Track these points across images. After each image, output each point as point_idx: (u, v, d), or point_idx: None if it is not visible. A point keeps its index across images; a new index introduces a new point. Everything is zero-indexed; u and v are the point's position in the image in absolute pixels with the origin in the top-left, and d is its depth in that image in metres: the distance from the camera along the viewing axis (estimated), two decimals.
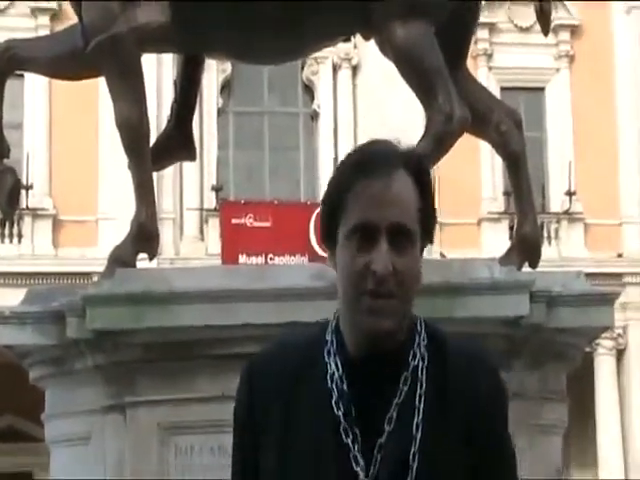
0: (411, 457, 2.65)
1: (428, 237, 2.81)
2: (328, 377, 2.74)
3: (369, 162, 2.77)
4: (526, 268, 6.29)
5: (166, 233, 29.26)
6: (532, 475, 5.77)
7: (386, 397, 2.70)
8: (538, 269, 6.37)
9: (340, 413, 2.70)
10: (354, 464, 2.66)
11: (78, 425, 5.94)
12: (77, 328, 5.65)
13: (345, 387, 2.72)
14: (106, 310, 5.58)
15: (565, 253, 32.31)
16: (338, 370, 2.74)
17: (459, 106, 6.08)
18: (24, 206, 29.96)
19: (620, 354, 33.47)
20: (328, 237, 2.80)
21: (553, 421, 6.04)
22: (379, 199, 2.72)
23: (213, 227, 31.89)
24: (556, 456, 6.04)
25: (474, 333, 5.55)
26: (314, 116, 33.79)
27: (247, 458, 2.81)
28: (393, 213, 2.71)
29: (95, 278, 6.34)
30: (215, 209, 32.06)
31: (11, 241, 31.52)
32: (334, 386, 2.73)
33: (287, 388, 2.77)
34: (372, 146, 2.85)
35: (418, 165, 2.82)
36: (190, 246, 31.85)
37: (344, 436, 2.68)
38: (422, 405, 2.69)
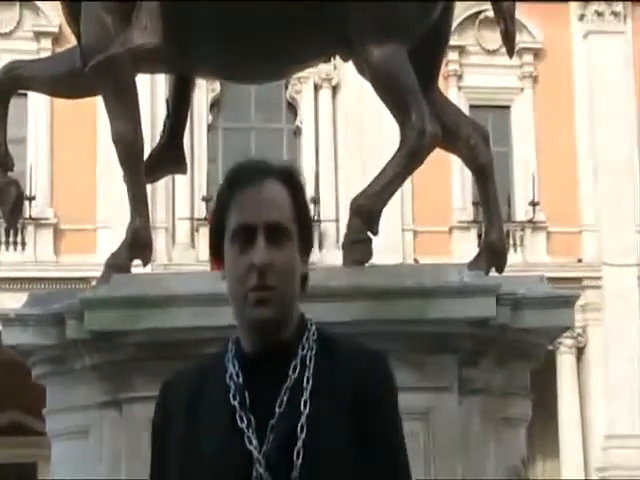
0: (299, 429, 2.72)
1: (307, 239, 2.89)
2: (227, 376, 2.81)
3: (243, 175, 2.87)
4: (493, 273, 6.29)
5: (159, 241, 29.24)
6: (499, 463, 5.78)
7: (278, 385, 2.77)
8: (504, 274, 6.38)
9: (236, 403, 2.77)
10: (248, 444, 2.71)
11: (77, 420, 5.92)
12: (76, 329, 5.64)
13: (240, 380, 2.79)
14: (103, 313, 5.57)
15: (529, 259, 32.39)
16: (235, 368, 2.81)
17: (431, 122, 6.08)
18: (27, 216, 29.90)
19: (580, 352, 33.54)
20: (217, 250, 2.89)
21: (518, 415, 6.04)
22: (253, 202, 2.81)
23: (203, 235, 31.84)
24: (521, 446, 6.05)
25: (445, 332, 5.56)
26: (297, 132, 33.82)
27: (158, 468, 2.89)
28: (267, 213, 2.80)
29: (93, 283, 6.32)
30: (205, 219, 32.00)
31: (15, 248, 31.46)
32: (232, 383, 2.80)
33: (191, 395, 2.86)
34: (245, 162, 2.93)
35: (290, 175, 2.89)
36: (182, 253, 31.83)
37: (239, 422, 2.74)
38: (309, 386, 2.76)
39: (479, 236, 29.80)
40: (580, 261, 33.77)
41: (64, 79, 6.54)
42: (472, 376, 5.68)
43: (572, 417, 33.07)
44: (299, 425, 2.72)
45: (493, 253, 6.37)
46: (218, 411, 2.78)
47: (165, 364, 5.43)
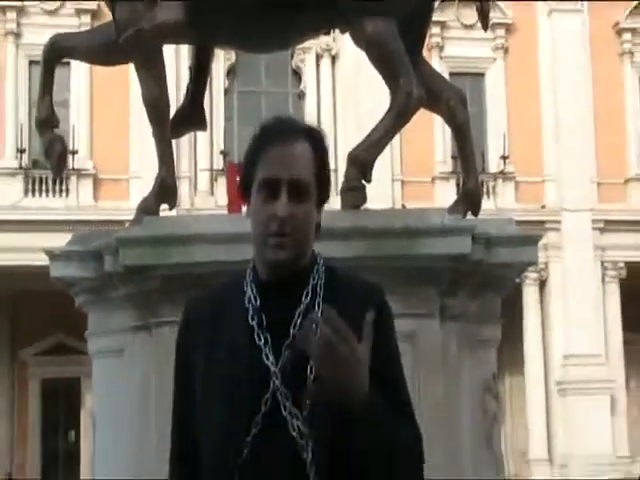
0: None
1: (325, 195, 2.87)
2: (246, 299, 2.79)
3: (273, 131, 2.83)
4: (469, 216, 6.28)
5: (183, 189, 29.27)
6: (473, 378, 5.79)
7: (292, 309, 2.75)
8: (479, 217, 6.36)
9: (254, 323, 2.74)
10: (265, 360, 2.69)
11: (113, 341, 5.93)
12: (112, 264, 5.63)
13: (258, 304, 2.77)
14: (135, 249, 5.56)
15: (500, 205, 32.42)
16: (252, 292, 2.79)
17: (417, 86, 6.05)
18: (70, 167, 29.91)
19: (542, 284, 33.67)
20: (245, 193, 2.86)
21: (490, 337, 6.05)
22: (281, 159, 2.77)
23: (221, 184, 31.86)
24: (492, 364, 6.06)
25: (428, 267, 5.55)
26: (301, 95, 33.73)
27: (184, 384, 2.85)
28: (292, 170, 2.76)
29: (127, 224, 6.30)
30: (222, 170, 32.01)
31: (60, 195, 31.50)
32: (250, 305, 2.78)
33: (214, 318, 2.83)
34: (277, 119, 2.89)
35: (315, 135, 2.85)
36: (202, 199, 31.84)
37: (257, 340, 2.72)
38: (320, 311, 2.69)
39: (458, 185, 29.84)
40: (543, 207, 33.80)
41: (101, 49, 6.50)
42: (451, 304, 5.68)
43: (535, 340, 33.25)
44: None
45: (470, 199, 6.35)
46: (238, 330, 2.75)
47: (188, 294, 5.44)
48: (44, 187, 31.32)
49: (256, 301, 2.78)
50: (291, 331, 2.72)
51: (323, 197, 2.87)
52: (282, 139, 2.78)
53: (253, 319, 2.75)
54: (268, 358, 2.70)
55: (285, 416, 2.64)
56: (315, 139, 2.83)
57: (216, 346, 2.78)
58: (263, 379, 2.67)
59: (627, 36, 34.97)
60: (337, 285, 2.81)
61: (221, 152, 32.24)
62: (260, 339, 2.72)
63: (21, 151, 31.38)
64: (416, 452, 2.76)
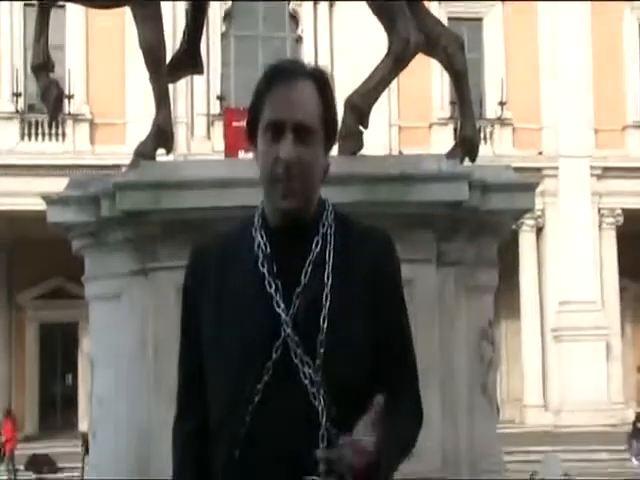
0: (324, 297, 2.66)
1: (331, 139, 2.83)
2: (255, 245, 2.75)
3: (280, 73, 2.76)
4: (467, 162, 6.27)
5: (180, 133, 29.18)
6: (470, 323, 5.82)
7: (302, 257, 2.71)
8: (476, 163, 6.36)
9: (264, 270, 2.70)
10: (276, 307, 2.66)
11: (111, 285, 5.94)
12: (109, 208, 5.63)
13: (268, 251, 2.72)
14: (132, 194, 5.55)
15: (497, 151, 32.37)
16: (263, 239, 2.75)
17: (415, 32, 6.01)
18: (66, 112, 29.78)
19: (539, 231, 33.75)
20: (252, 135, 2.80)
21: (486, 283, 6.06)
22: (286, 101, 2.71)
23: (218, 129, 31.81)
24: (488, 309, 6.08)
25: (425, 213, 5.56)
26: (298, 40, 33.56)
27: (191, 323, 2.83)
28: (297, 113, 2.71)
29: (123, 169, 6.29)
30: (219, 114, 31.93)
31: (57, 140, 31.46)
32: (259, 251, 2.73)
33: (222, 263, 2.79)
34: (283, 62, 2.83)
35: (321, 77, 2.80)
36: (199, 144, 31.77)
37: (268, 287, 2.68)
38: (331, 260, 2.71)
39: (455, 131, 29.72)
40: (540, 153, 33.78)
41: None
42: (448, 250, 5.69)
43: (531, 286, 33.38)
44: (324, 294, 2.66)
45: (467, 146, 6.34)
46: (247, 277, 2.71)
47: (185, 238, 5.45)
48: (40, 131, 31.25)
49: (266, 248, 2.73)
50: (302, 279, 2.68)
51: (330, 140, 2.82)
52: (287, 81, 2.73)
53: (263, 266, 2.70)
54: (279, 306, 2.66)
55: (296, 364, 2.62)
56: (321, 81, 2.78)
57: (225, 293, 2.74)
58: (274, 327, 2.64)
59: None
60: (347, 233, 2.77)
61: (218, 97, 32.14)
62: (271, 286, 2.68)
63: (17, 95, 31.26)
64: (417, 432, 2.80)
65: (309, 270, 2.70)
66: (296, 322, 2.65)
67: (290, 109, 2.71)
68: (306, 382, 2.62)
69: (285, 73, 2.76)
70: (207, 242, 2.92)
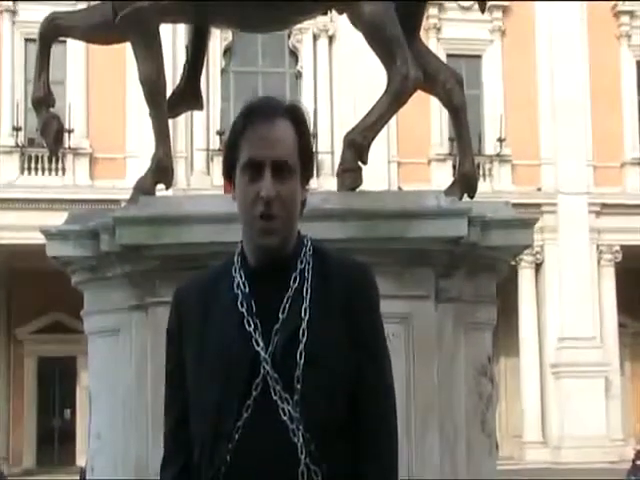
0: (300, 333, 2.69)
1: (308, 172, 2.86)
2: (235, 286, 2.78)
3: (256, 112, 2.81)
4: (466, 199, 6.28)
5: (179, 168, 29.27)
6: (468, 361, 5.80)
7: (280, 294, 2.75)
8: (475, 199, 6.36)
9: (243, 310, 2.73)
10: (255, 346, 2.69)
11: (110, 320, 5.93)
12: (109, 243, 5.63)
13: (247, 290, 2.76)
14: (132, 229, 5.55)
15: (496, 187, 32.45)
16: (242, 278, 2.78)
17: (414, 68, 6.04)
18: (67, 146, 29.87)
19: (538, 267, 33.74)
20: (229, 174, 2.85)
21: (485, 319, 6.05)
22: (263, 139, 2.77)
23: (217, 164, 31.83)
24: (487, 346, 6.06)
25: (424, 249, 5.55)
26: (298, 75, 33.69)
27: (174, 368, 2.87)
28: (275, 150, 2.76)
29: (123, 204, 6.29)
30: (219, 149, 31.99)
31: (57, 174, 31.52)
32: (239, 291, 2.77)
33: (203, 305, 2.82)
34: (259, 100, 2.87)
35: (296, 113, 2.84)
36: (199, 179, 31.83)
37: (247, 326, 2.71)
38: (308, 296, 2.74)
39: (454, 167, 29.78)
40: (539, 190, 33.84)
41: (98, 28, 6.47)
42: (447, 286, 5.69)
43: (530, 322, 33.33)
44: (301, 329, 2.70)
45: (466, 182, 6.35)
46: (227, 317, 2.75)
47: (184, 274, 5.44)
48: (40, 165, 31.31)
49: (245, 287, 2.77)
50: (280, 316, 2.72)
51: (307, 175, 2.86)
52: (263, 119, 2.77)
53: (243, 305, 2.74)
54: (258, 344, 2.69)
55: (276, 400, 2.65)
56: (296, 117, 2.82)
57: (206, 334, 2.78)
58: (253, 364, 2.68)
59: (625, 19, 34.93)
60: (325, 268, 2.80)
61: (217, 132, 32.22)
62: (250, 325, 2.71)
63: (17, 129, 31.34)
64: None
65: (287, 307, 2.73)
66: (275, 359, 2.68)
67: (268, 147, 2.76)
68: (285, 419, 2.64)
69: (261, 111, 2.80)
70: (188, 285, 2.95)
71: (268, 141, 2.76)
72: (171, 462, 2.88)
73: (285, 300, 2.74)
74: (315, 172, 29.40)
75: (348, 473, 2.70)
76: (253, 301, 2.75)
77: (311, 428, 2.64)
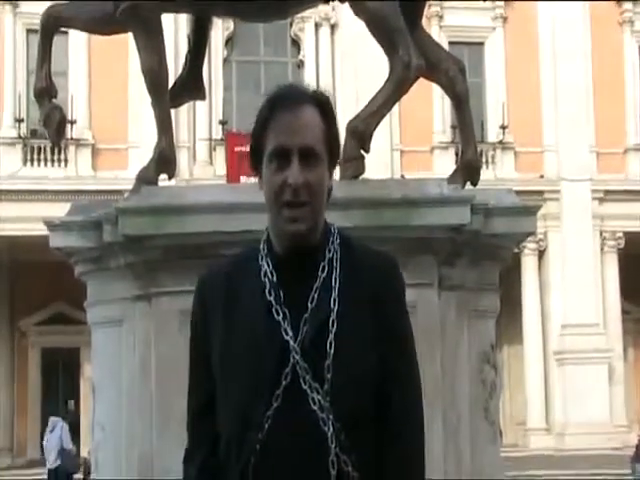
0: (330, 323, 2.69)
1: (334, 160, 2.85)
2: (262, 274, 2.77)
3: (282, 99, 2.78)
4: (468, 186, 6.27)
5: (182, 158, 29.23)
6: (472, 348, 5.80)
7: (308, 283, 2.74)
8: (478, 187, 6.36)
9: (271, 298, 2.72)
10: (285, 335, 2.68)
11: (113, 311, 5.94)
12: (112, 234, 5.63)
13: (274, 279, 2.75)
14: (134, 219, 5.56)
15: (499, 175, 32.42)
16: (269, 267, 2.77)
17: (416, 56, 6.03)
18: (69, 137, 29.88)
19: (541, 254, 33.72)
20: (256, 163, 2.83)
21: (488, 307, 6.06)
22: (290, 127, 2.74)
23: (220, 154, 31.86)
24: (490, 334, 6.07)
25: (427, 237, 5.55)
26: (300, 65, 33.65)
27: (199, 354, 2.86)
28: (302, 138, 2.74)
29: (126, 194, 6.30)
30: (221, 139, 32.00)
31: (59, 165, 31.52)
32: (266, 279, 2.75)
33: (229, 292, 2.80)
34: (284, 87, 2.85)
35: (322, 100, 2.82)
36: (201, 169, 31.82)
37: (275, 315, 2.70)
38: (337, 285, 2.73)
39: (457, 155, 29.78)
40: (542, 177, 33.80)
41: (100, 19, 6.46)
42: (450, 274, 5.69)
43: (534, 309, 33.33)
44: (330, 320, 2.68)
45: (469, 169, 6.34)
46: (255, 306, 2.73)
47: (187, 263, 5.46)
48: (43, 157, 31.31)
49: (272, 276, 2.75)
50: (309, 305, 2.71)
51: (334, 162, 2.85)
52: (289, 107, 2.75)
53: (270, 294, 2.73)
54: (287, 333, 2.68)
55: (305, 390, 2.65)
56: (322, 103, 2.81)
57: (233, 322, 2.76)
58: (282, 354, 2.66)
59: (628, 5, 34.83)
60: (352, 257, 2.79)
61: (220, 122, 32.20)
62: (278, 314, 2.70)
63: (19, 120, 31.33)
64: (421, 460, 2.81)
65: (315, 296, 2.72)
66: (304, 348, 2.67)
67: (295, 135, 2.74)
68: (315, 408, 2.64)
69: (287, 99, 2.78)
70: (213, 271, 2.93)
71: (295, 128, 2.74)
72: (197, 451, 2.86)
73: (314, 290, 2.73)
74: None
75: (376, 461, 2.71)
76: (280, 289, 2.74)
77: (341, 417, 2.64)
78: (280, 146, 2.73)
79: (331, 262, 2.77)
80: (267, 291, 2.73)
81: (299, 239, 2.75)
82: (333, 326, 2.68)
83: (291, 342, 2.67)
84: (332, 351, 2.66)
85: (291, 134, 2.74)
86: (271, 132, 2.76)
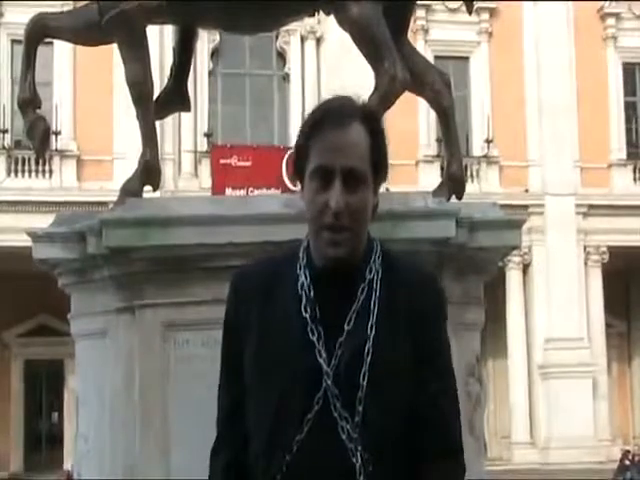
0: (365, 352, 2.58)
1: (381, 178, 2.73)
2: (299, 285, 2.66)
3: (328, 115, 2.66)
4: (453, 200, 6.28)
5: (167, 170, 29.20)
6: (457, 361, 5.76)
7: (346, 303, 2.63)
8: (463, 201, 6.36)
9: (307, 315, 2.62)
10: (318, 357, 2.58)
11: (97, 323, 5.91)
12: (95, 245, 5.61)
13: (312, 294, 2.64)
14: (118, 231, 5.54)
15: (484, 188, 32.48)
16: (307, 280, 2.66)
17: (401, 70, 6.03)
18: (54, 148, 29.83)
19: (526, 268, 33.78)
20: (298, 177, 2.71)
21: (473, 320, 6.05)
22: (334, 146, 2.61)
23: (205, 166, 31.85)
24: (475, 347, 6.06)
25: (412, 250, 5.54)
26: (286, 77, 33.68)
27: (232, 353, 2.76)
28: (346, 158, 2.61)
29: (110, 206, 6.27)
30: (206, 151, 32.00)
31: (44, 176, 31.43)
32: (303, 293, 2.65)
33: (264, 294, 2.71)
34: (332, 101, 2.73)
35: (371, 117, 2.71)
36: (186, 181, 31.79)
37: (310, 335, 2.60)
38: (376, 309, 2.62)
39: (442, 168, 29.81)
40: (527, 191, 33.90)
41: (85, 29, 6.45)
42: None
43: (518, 323, 33.37)
44: (366, 348, 2.58)
45: (454, 183, 6.35)
46: (291, 319, 2.64)
47: (171, 276, 5.44)
48: (27, 168, 31.23)
49: (310, 291, 2.65)
50: (345, 328, 2.60)
51: (380, 180, 2.73)
52: (336, 124, 2.63)
53: (306, 311, 2.63)
54: (321, 355, 2.58)
55: (335, 417, 2.56)
56: (371, 122, 2.70)
57: (268, 327, 2.68)
58: (315, 376, 2.58)
59: (611, 21, 35.03)
60: (392, 276, 2.68)
61: (205, 134, 32.19)
62: (313, 334, 2.60)
63: (3, 131, 31.26)
64: None
65: (353, 318, 2.62)
66: (337, 374, 2.58)
67: (339, 154, 2.62)
68: (344, 437, 2.56)
69: (334, 115, 2.66)
70: (248, 271, 2.83)
71: (339, 147, 2.61)
72: (224, 448, 2.77)
73: (351, 312, 2.62)
74: None
75: None
76: (317, 307, 2.63)
77: (371, 449, 2.56)
78: (322, 165, 2.62)
79: (371, 283, 2.66)
80: (303, 307, 2.63)
81: (337, 263, 2.64)
82: (368, 355, 2.58)
83: (324, 366, 2.58)
84: (365, 383, 2.57)
85: (335, 153, 2.61)
86: (315, 149, 2.64)
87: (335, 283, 2.66)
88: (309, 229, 2.68)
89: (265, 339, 2.66)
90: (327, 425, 2.56)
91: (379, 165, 2.70)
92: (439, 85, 6.40)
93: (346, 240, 2.62)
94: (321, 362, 2.58)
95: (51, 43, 23.07)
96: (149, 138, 6.29)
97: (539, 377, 33.20)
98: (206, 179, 31.13)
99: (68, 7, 27.29)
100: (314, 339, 2.60)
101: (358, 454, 2.55)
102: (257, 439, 2.66)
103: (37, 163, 30.94)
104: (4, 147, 31.28)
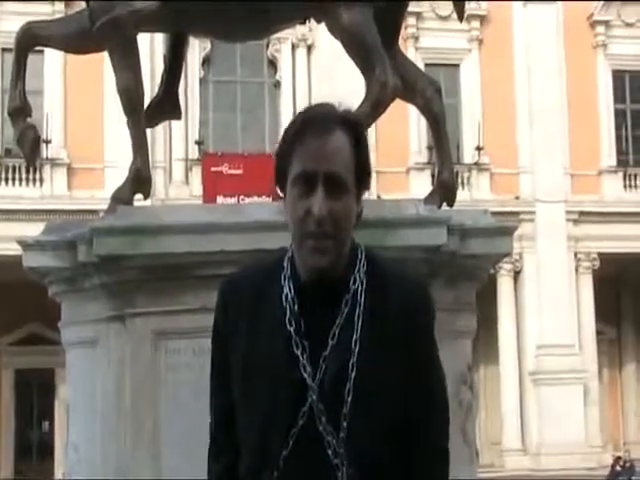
0: (350, 367, 2.56)
1: (364, 185, 2.69)
2: (283, 297, 2.64)
3: (310, 122, 2.64)
4: (445, 207, 6.28)
5: (158, 178, 29.20)
6: (449, 369, 5.76)
7: (331, 316, 2.60)
8: (454, 208, 6.36)
9: (291, 329, 2.59)
10: (302, 371, 2.57)
11: (87, 332, 5.90)
12: (86, 254, 5.59)
13: (296, 308, 2.61)
14: (109, 239, 5.52)
15: (475, 196, 32.51)
16: (291, 292, 2.64)
17: (392, 77, 6.04)
18: (44, 156, 29.78)
19: (517, 275, 33.81)
20: (280, 184, 2.69)
21: (465, 327, 6.05)
22: (317, 152, 2.59)
23: (196, 174, 31.83)
24: (467, 354, 6.06)
25: (403, 258, 5.54)
26: (277, 85, 33.69)
27: (221, 360, 2.75)
28: (329, 164, 2.59)
29: (101, 214, 6.26)
30: (198, 159, 31.98)
31: (34, 185, 31.38)
32: (287, 306, 2.62)
33: (252, 304, 2.69)
34: (314, 108, 2.72)
35: (353, 124, 2.69)
36: (177, 189, 31.76)
37: (295, 348, 2.58)
38: (360, 324, 2.59)
39: (433, 176, 29.88)
40: (517, 198, 33.94)
41: (75, 37, 6.45)
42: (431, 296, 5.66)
43: (509, 330, 33.39)
44: (350, 363, 2.56)
45: (445, 190, 6.35)
46: (275, 332, 2.61)
47: (162, 284, 5.43)
48: (17, 176, 31.17)
49: (294, 304, 2.62)
50: (329, 341, 2.58)
51: (363, 187, 2.70)
52: (318, 130, 2.60)
53: (291, 324, 2.60)
54: (305, 369, 2.56)
55: (321, 432, 2.55)
56: (353, 128, 2.66)
57: (253, 342, 2.66)
58: (300, 390, 2.56)
59: (601, 28, 35.12)
60: (379, 284, 2.65)
61: (196, 142, 32.18)
62: (297, 347, 2.58)
63: None
64: None
65: (337, 332, 2.59)
66: (322, 389, 2.56)
67: (322, 160, 2.60)
68: (330, 452, 2.54)
69: (316, 122, 2.64)
70: (238, 277, 2.80)
71: (322, 154, 2.59)
72: (220, 454, 2.76)
73: (336, 325, 2.59)
74: None
75: None
76: (302, 319, 2.60)
77: (356, 464, 2.54)
78: (304, 172, 2.59)
79: (355, 295, 2.62)
80: (287, 320, 2.61)
81: (320, 273, 2.60)
82: (353, 370, 2.56)
83: (309, 380, 2.56)
84: (350, 399, 2.55)
85: (317, 159, 2.59)
86: (297, 155, 2.61)
87: (319, 294, 2.63)
88: (292, 237, 2.65)
89: (251, 351, 2.65)
90: (313, 439, 2.55)
91: (362, 172, 2.68)
92: (430, 92, 6.41)
93: (329, 248, 2.59)
94: (306, 376, 2.56)
95: (41, 51, 23.03)
96: (140, 146, 6.28)
97: (530, 384, 33.21)
98: (197, 187, 31.11)
99: (59, 14, 27.35)
100: (298, 353, 2.58)
101: (344, 469, 2.54)
102: (245, 451, 2.66)
103: (28, 171, 30.88)
104: None
